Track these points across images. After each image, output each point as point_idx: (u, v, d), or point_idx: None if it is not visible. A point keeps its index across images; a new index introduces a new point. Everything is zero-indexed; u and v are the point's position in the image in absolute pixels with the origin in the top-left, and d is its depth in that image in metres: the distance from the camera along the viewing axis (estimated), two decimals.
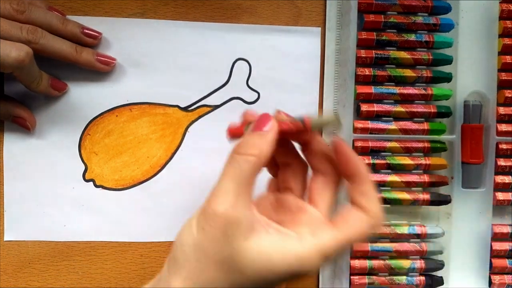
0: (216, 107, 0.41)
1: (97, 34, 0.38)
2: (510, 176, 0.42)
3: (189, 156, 0.40)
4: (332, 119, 0.27)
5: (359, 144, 0.40)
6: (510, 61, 0.41)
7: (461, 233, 0.41)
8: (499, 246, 0.42)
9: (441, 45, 0.41)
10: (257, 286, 0.25)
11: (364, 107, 0.40)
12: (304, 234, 0.26)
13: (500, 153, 0.41)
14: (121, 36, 0.39)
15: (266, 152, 0.26)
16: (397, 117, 0.41)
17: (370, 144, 0.40)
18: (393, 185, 0.41)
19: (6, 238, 0.39)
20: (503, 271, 0.42)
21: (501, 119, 0.41)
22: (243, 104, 0.41)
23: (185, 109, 0.40)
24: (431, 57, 0.40)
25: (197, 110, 0.40)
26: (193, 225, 0.26)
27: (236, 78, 0.40)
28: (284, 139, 0.29)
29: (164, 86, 0.40)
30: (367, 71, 0.40)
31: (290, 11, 0.41)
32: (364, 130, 0.40)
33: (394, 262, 0.41)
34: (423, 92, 0.40)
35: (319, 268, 0.29)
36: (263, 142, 0.26)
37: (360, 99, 0.41)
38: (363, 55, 0.40)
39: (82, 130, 0.40)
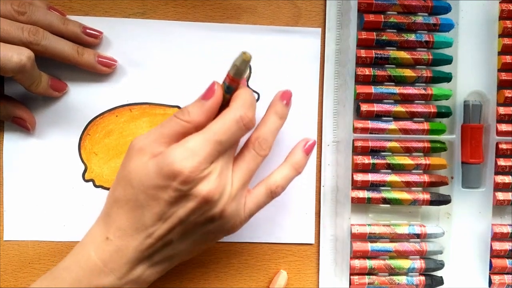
0: None
1: (98, 34, 0.38)
2: (510, 176, 0.42)
3: None
4: (239, 58, 0.31)
5: (359, 144, 0.40)
6: (510, 61, 0.41)
7: (461, 233, 0.41)
8: (499, 246, 0.42)
9: (441, 45, 0.41)
10: (146, 194, 0.30)
11: (364, 107, 0.40)
12: None
13: (500, 153, 0.41)
14: (121, 36, 0.39)
15: (203, 120, 0.32)
16: (397, 117, 0.41)
17: (370, 144, 0.40)
18: (393, 185, 0.41)
19: (6, 238, 0.39)
20: (503, 271, 0.42)
21: (501, 119, 0.41)
22: None
23: None
24: (431, 57, 0.40)
25: None
26: None
27: None
28: None
29: (164, 86, 0.40)
30: (367, 71, 0.40)
31: (290, 11, 0.41)
32: (364, 130, 0.40)
33: (394, 262, 0.41)
34: (423, 92, 0.40)
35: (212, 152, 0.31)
36: (201, 113, 0.32)
37: (360, 99, 0.41)
38: (363, 55, 0.40)
39: (82, 130, 0.40)
